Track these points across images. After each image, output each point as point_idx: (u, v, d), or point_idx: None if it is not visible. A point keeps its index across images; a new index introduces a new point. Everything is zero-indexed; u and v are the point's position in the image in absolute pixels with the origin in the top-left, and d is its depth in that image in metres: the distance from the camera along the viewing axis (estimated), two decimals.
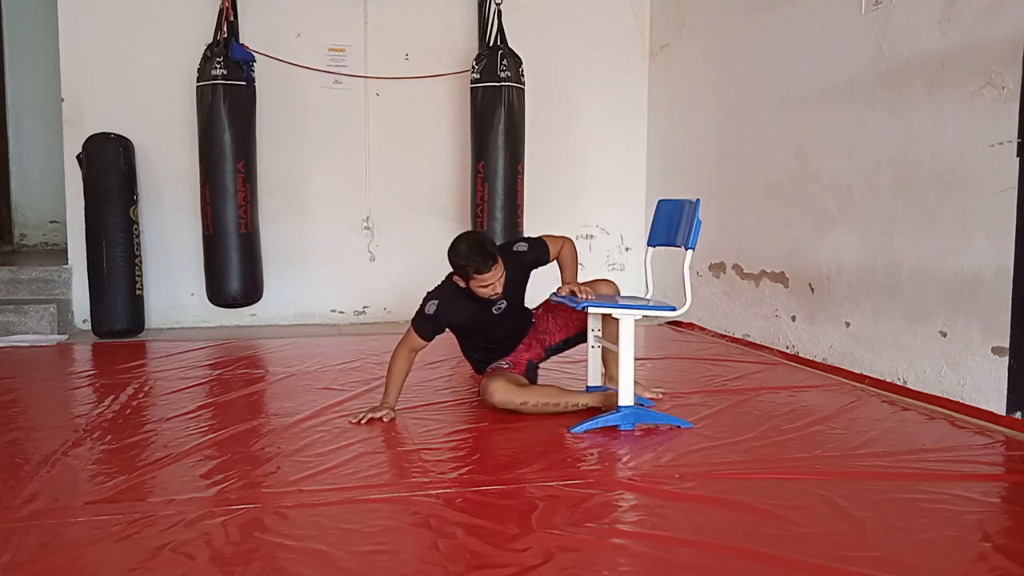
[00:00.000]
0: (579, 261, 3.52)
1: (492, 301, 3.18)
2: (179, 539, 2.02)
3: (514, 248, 3.30)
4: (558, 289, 3.30)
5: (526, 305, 3.44)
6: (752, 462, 2.67)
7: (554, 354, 3.49)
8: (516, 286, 3.29)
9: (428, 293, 3.21)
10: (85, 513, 2.19)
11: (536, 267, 3.34)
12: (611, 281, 3.44)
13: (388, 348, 4.49)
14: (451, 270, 3.16)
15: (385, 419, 3.08)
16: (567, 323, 3.43)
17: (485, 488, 2.40)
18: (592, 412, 3.14)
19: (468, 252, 3.02)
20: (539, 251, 3.30)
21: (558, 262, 3.39)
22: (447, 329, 3.26)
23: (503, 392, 3.13)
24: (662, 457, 2.71)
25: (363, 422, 3.05)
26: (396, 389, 3.17)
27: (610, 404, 3.10)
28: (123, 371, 3.94)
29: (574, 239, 3.49)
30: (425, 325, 3.15)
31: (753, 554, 1.98)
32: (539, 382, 3.39)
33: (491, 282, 3.06)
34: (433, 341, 3.21)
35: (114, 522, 2.12)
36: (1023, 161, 3.03)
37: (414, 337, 3.17)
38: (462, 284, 3.12)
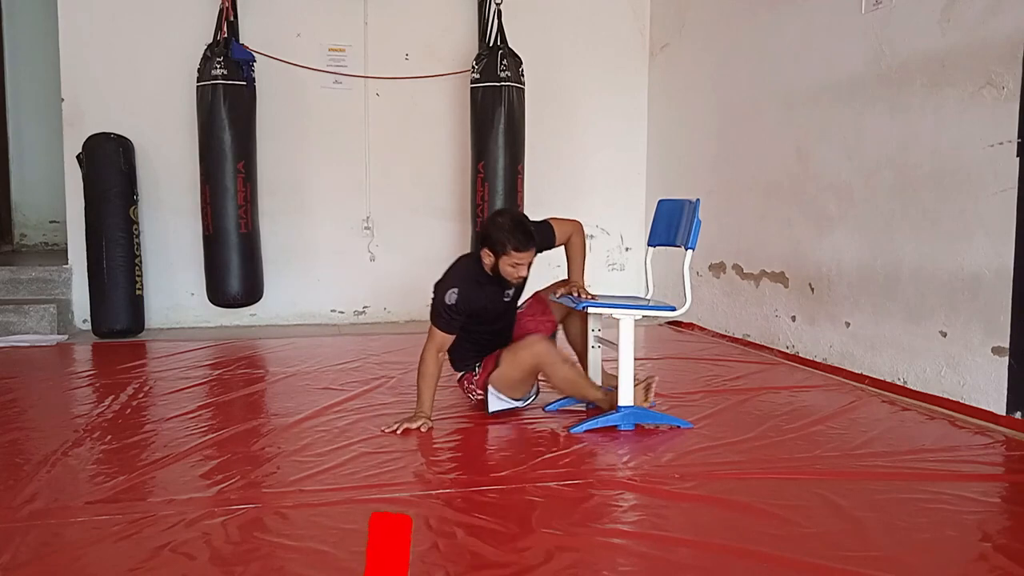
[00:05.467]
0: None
1: (504, 285, 3.07)
2: (179, 539, 2.02)
3: None
4: (555, 288, 3.26)
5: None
6: (752, 462, 2.67)
7: None
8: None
9: (439, 283, 3.05)
10: (85, 513, 2.19)
11: (540, 252, 3.14)
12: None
13: (388, 348, 4.57)
14: (454, 260, 3.11)
15: (423, 429, 2.92)
16: (541, 324, 3.28)
17: (485, 488, 2.40)
18: (592, 412, 3.14)
19: (512, 228, 2.93)
20: (545, 236, 3.16)
21: (565, 251, 3.29)
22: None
23: (547, 346, 3.02)
24: (662, 457, 2.72)
25: (398, 432, 2.89)
26: (430, 395, 3.02)
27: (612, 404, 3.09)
28: (123, 371, 3.94)
29: None
30: (449, 317, 2.98)
31: (753, 554, 1.98)
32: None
33: (524, 262, 2.98)
34: None
35: (114, 522, 2.12)
36: (1023, 161, 3.03)
37: (440, 336, 3.01)
38: (487, 260, 3.00)
